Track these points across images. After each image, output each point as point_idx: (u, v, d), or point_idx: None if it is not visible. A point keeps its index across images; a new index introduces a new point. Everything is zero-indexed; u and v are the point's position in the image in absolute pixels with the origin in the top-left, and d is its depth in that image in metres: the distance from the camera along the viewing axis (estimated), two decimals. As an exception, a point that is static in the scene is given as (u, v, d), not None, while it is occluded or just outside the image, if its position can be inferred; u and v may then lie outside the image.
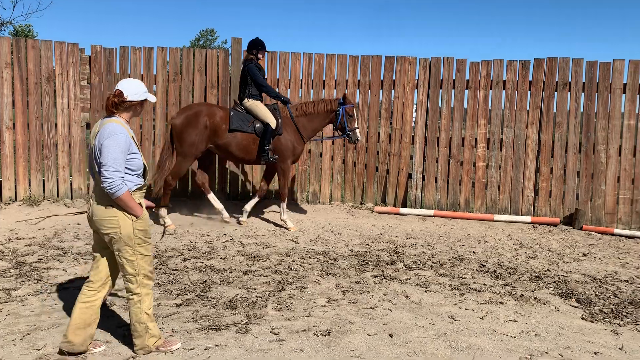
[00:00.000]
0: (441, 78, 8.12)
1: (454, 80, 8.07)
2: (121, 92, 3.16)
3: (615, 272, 5.54)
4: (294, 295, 4.43)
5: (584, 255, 6.21)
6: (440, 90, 8.15)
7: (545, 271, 5.47)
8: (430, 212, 7.87)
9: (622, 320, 4.19)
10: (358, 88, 8.26)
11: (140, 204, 3.23)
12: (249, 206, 7.04)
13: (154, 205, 3.66)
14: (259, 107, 6.80)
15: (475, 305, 4.39)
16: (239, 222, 6.94)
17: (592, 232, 7.32)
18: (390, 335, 3.71)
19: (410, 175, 8.15)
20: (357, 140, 7.06)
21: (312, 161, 8.25)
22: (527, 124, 7.88)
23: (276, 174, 7.16)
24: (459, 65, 8.05)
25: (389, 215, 7.84)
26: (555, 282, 5.10)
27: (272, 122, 6.72)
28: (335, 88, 8.22)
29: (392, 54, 8.23)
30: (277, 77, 8.19)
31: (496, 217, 7.72)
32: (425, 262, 5.58)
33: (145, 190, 3.32)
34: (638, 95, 7.54)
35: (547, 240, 6.85)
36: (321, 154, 8.27)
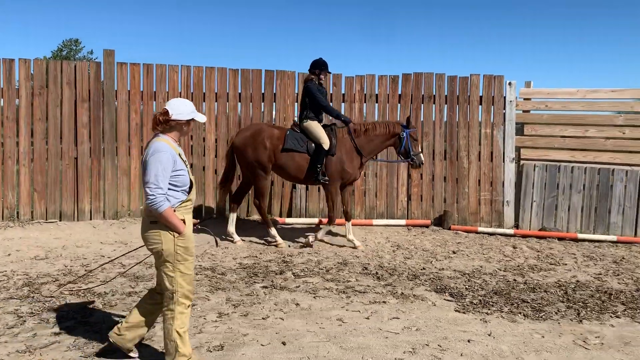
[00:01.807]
0: (319, 91, 8.42)
1: (331, 94, 8.42)
2: (167, 110, 3.24)
3: (481, 267, 6.14)
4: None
5: (454, 252, 6.79)
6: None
7: (421, 269, 5.91)
8: (315, 220, 8.11)
9: (489, 309, 4.66)
10: (239, 101, 8.31)
11: (184, 220, 3.24)
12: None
13: (198, 221, 3.63)
14: (315, 128, 6.77)
15: (361, 306, 4.63)
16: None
17: (459, 232, 8.01)
18: (284, 343, 3.80)
19: (294, 186, 8.33)
20: (421, 164, 7.08)
21: (195, 175, 8.12)
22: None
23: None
24: (335, 79, 8.42)
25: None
26: (430, 279, 5.52)
27: (326, 143, 6.68)
28: (216, 101, 8.19)
29: (272, 69, 8.40)
30: (154, 90, 7.98)
31: (375, 221, 8.16)
32: (313, 269, 5.76)
33: (191, 207, 3.35)
34: (492, 107, 8.42)
35: (421, 241, 7.38)
36: (204, 167, 8.17)
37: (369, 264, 6.09)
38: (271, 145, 6.77)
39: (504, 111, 8.37)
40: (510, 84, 8.32)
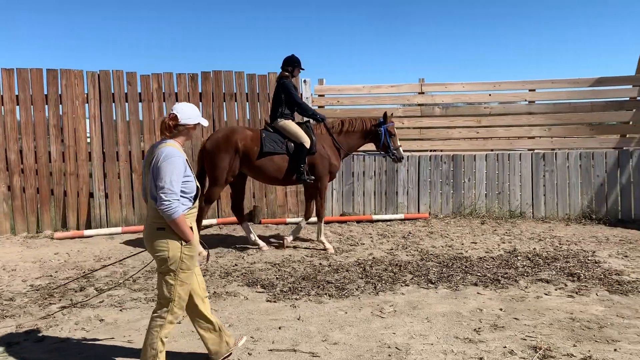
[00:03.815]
0: (112, 92, 7.93)
1: (126, 94, 7.98)
2: (175, 115, 3.17)
3: (290, 255, 6.40)
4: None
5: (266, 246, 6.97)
6: (114, 104, 7.96)
7: (233, 266, 5.96)
8: (118, 229, 7.62)
9: (298, 294, 4.90)
10: (17, 104, 7.40)
11: (191, 227, 3.17)
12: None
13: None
14: (292, 127, 6.52)
15: (173, 311, 4.50)
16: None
17: (269, 224, 8.25)
18: (87, 364, 3.51)
19: (91, 194, 7.72)
20: (402, 159, 7.00)
21: None
22: (202, 133, 8.35)
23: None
24: (129, 78, 8.00)
25: (72, 240, 7.28)
26: (242, 274, 5.60)
27: (307, 142, 6.47)
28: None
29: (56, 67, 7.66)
30: None
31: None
32: (118, 281, 5.42)
33: (195, 214, 3.28)
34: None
35: (233, 238, 7.43)
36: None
37: (179, 267, 5.93)
38: (244, 148, 6.43)
39: (301, 107, 8.81)
40: (305, 81, 8.79)
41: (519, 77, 9.37)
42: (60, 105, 7.67)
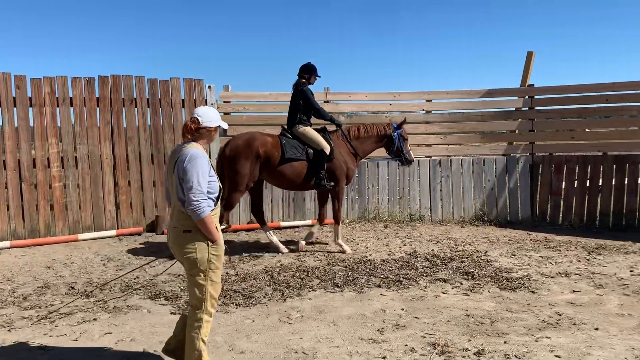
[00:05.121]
0: (-1, 95, 7.34)
1: (14, 98, 7.42)
2: (197, 119, 3.30)
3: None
4: None
5: (169, 258, 6.75)
6: (0, 109, 7.37)
7: (135, 279, 5.71)
8: (7, 243, 7.05)
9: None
10: None
11: (216, 227, 3.26)
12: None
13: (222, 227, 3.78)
14: (312, 133, 6.68)
15: (69, 329, 4.24)
16: None
17: (173, 235, 8.01)
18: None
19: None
20: (412, 162, 7.37)
21: None
22: (99, 140, 7.97)
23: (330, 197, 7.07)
24: (18, 81, 7.45)
25: (-50, 257, 6.61)
26: (144, 286, 5.38)
27: (327, 148, 6.63)
28: None
29: None
30: None
31: (81, 236, 7.54)
32: (6, 299, 5.00)
33: (219, 214, 3.37)
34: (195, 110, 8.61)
35: (134, 249, 7.13)
36: None
37: (76, 282, 5.60)
38: (265, 154, 6.52)
39: (206, 113, 8.65)
40: (210, 87, 8.65)
41: (417, 88, 9.85)
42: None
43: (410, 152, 7.36)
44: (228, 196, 6.58)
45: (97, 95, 7.98)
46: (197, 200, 3.11)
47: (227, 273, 5.89)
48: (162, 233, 8.02)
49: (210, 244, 3.24)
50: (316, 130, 6.83)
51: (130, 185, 8.14)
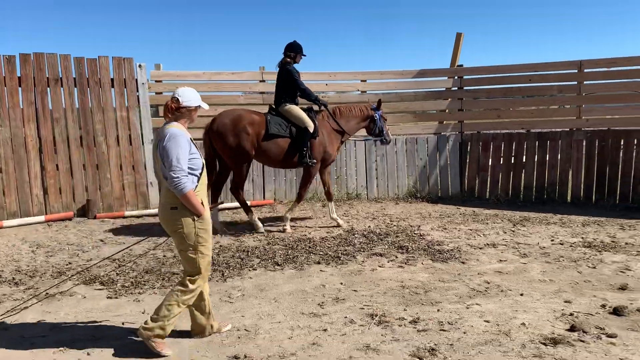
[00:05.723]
0: None
1: None
2: (177, 98, 3.40)
3: (130, 250, 6.09)
4: None
5: (102, 241, 6.56)
6: None
7: (67, 265, 5.52)
8: None
9: (141, 288, 4.73)
10: None
11: (202, 203, 3.35)
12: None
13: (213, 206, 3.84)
14: (297, 111, 6.70)
15: (-3, 319, 4.06)
16: None
17: (105, 219, 7.77)
18: None
19: None
20: (390, 141, 7.59)
21: None
22: (23, 121, 7.55)
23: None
24: None
25: None
26: (78, 272, 5.21)
27: (310, 126, 6.64)
28: None
29: None
30: None
31: (5, 222, 7.17)
32: None
33: (205, 189, 3.47)
34: (125, 89, 8.31)
35: (65, 235, 6.87)
36: None
37: (2, 270, 5.35)
38: (253, 131, 6.53)
39: (137, 94, 8.37)
40: (140, 66, 8.37)
41: (352, 68, 9.99)
42: None
43: (389, 132, 7.61)
44: (234, 177, 6.89)
45: (19, 75, 7.54)
46: (178, 177, 3.24)
47: (164, 256, 5.81)
48: (94, 217, 7.76)
49: (196, 218, 3.36)
50: (302, 109, 6.85)
51: (59, 169, 7.79)
